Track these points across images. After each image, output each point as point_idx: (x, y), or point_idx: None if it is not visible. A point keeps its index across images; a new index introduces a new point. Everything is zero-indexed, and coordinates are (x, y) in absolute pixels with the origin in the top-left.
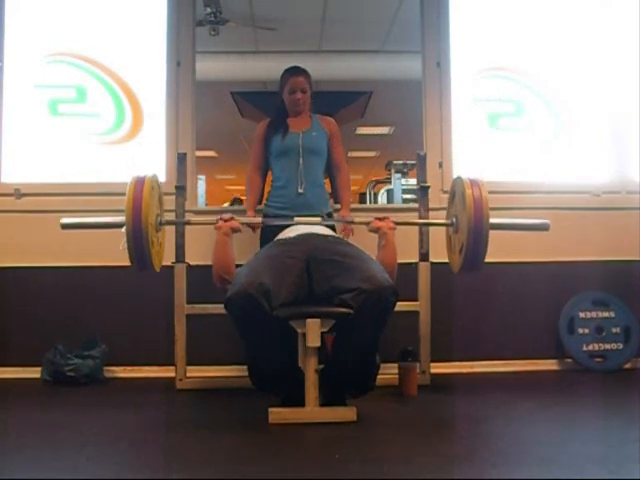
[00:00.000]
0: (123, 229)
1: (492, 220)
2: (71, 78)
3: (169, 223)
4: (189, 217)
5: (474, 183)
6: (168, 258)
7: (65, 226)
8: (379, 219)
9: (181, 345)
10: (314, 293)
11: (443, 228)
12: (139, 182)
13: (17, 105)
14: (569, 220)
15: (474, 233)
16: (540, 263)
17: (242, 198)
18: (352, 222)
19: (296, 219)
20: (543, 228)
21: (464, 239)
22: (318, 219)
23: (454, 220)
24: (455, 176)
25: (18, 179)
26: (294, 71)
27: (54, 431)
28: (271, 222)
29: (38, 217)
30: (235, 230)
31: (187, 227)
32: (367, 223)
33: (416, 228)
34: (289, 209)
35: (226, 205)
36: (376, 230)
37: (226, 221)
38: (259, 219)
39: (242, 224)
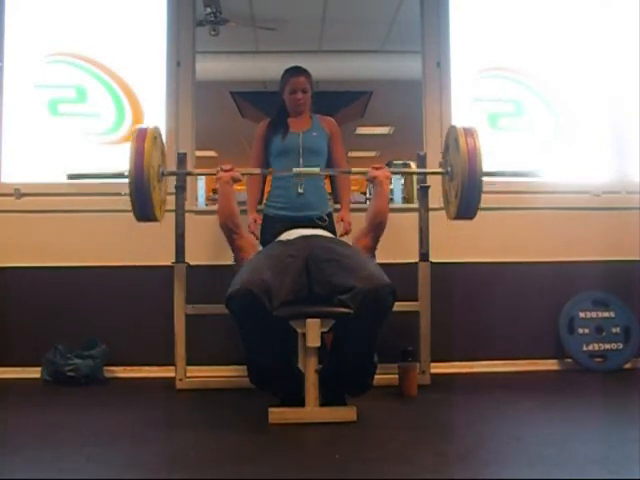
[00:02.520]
0: (126, 173)
1: (486, 169)
2: (71, 78)
3: (171, 174)
4: (189, 217)
5: (468, 132)
6: (168, 258)
7: (71, 177)
8: (375, 168)
9: (181, 345)
10: (313, 292)
11: (443, 229)
12: (141, 132)
13: (17, 105)
14: (569, 220)
15: (468, 180)
16: (540, 263)
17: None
18: (350, 172)
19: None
20: (534, 175)
21: (459, 186)
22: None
23: (449, 169)
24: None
25: (18, 179)
26: (295, 71)
27: (54, 431)
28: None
29: (38, 217)
30: (235, 179)
31: (187, 227)
32: (364, 172)
33: (416, 230)
34: (289, 209)
35: None
36: (373, 179)
37: (226, 171)
38: (257, 170)
39: (242, 174)
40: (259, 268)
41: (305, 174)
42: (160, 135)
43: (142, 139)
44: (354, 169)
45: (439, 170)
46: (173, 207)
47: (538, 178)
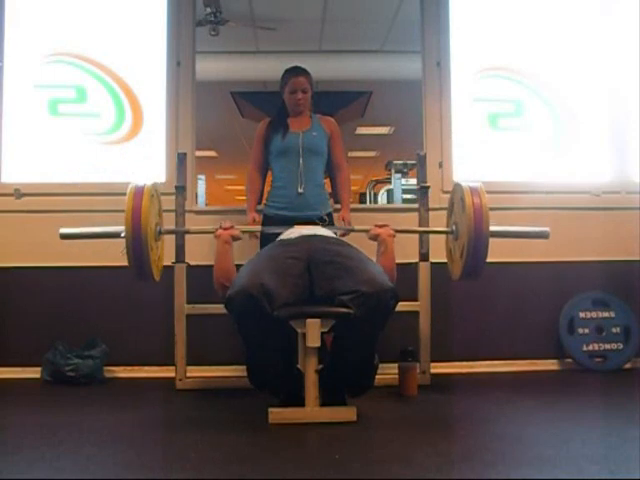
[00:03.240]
0: (122, 234)
1: (492, 228)
2: (71, 78)
3: (168, 232)
4: (189, 217)
5: (474, 191)
6: (168, 258)
7: (64, 236)
8: (379, 226)
9: (181, 345)
10: (314, 294)
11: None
12: (138, 191)
13: (17, 105)
14: (569, 220)
15: (474, 241)
16: (540, 263)
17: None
18: (352, 230)
19: (296, 227)
20: (543, 236)
21: (464, 247)
22: (318, 227)
23: (454, 228)
24: (455, 178)
25: (18, 179)
26: (295, 71)
27: (54, 431)
28: (270, 230)
29: (38, 217)
30: (235, 238)
31: (187, 228)
32: (367, 230)
33: (416, 225)
34: (289, 209)
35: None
36: (375, 237)
37: (226, 229)
38: (259, 227)
39: (242, 232)
40: (259, 270)
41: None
42: (157, 192)
43: (139, 199)
44: (356, 227)
45: (444, 229)
46: (173, 207)
47: (545, 238)
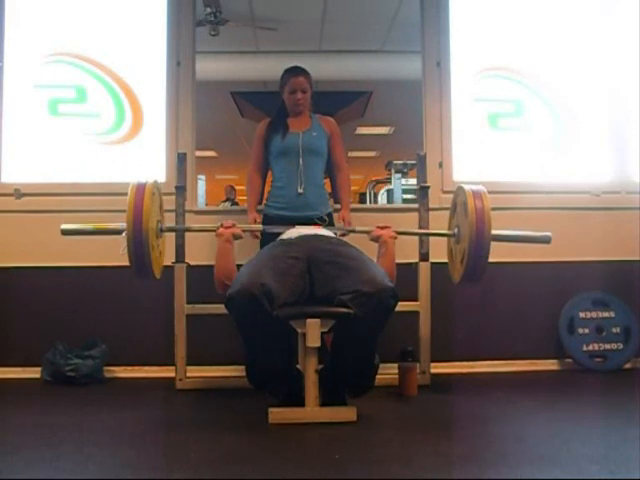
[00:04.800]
0: (123, 234)
1: (494, 232)
2: (71, 78)
3: (170, 230)
4: (189, 217)
5: (476, 194)
6: (168, 258)
7: (65, 232)
8: (380, 227)
9: (181, 345)
10: (315, 294)
11: (443, 229)
12: (140, 189)
13: (17, 105)
14: (569, 220)
15: (475, 247)
16: (540, 263)
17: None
18: (353, 230)
19: (297, 227)
20: (545, 241)
21: (465, 252)
22: (318, 227)
23: (456, 231)
24: (455, 178)
25: (18, 179)
26: (294, 71)
27: (54, 431)
28: (271, 229)
29: (38, 217)
30: (236, 237)
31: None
32: (368, 232)
33: (416, 226)
34: (289, 209)
35: (224, 204)
36: (377, 238)
37: (227, 228)
38: (259, 226)
39: (243, 231)
40: (260, 270)
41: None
42: (158, 190)
43: (141, 194)
44: (358, 228)
45: (446, 232)
46: (173, 207)
47: (547, 243)
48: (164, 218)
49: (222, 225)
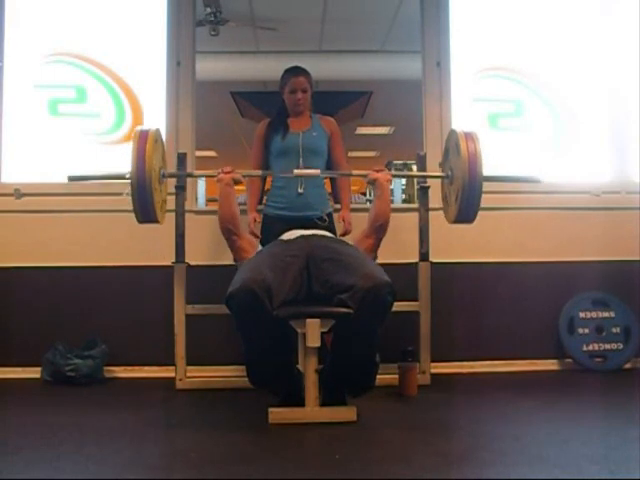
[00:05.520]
0: (127, 175)
1: (486, 174)
2: (71, 78)
3: (172, 175)
4: (189, 217)
5: (468, 136)
6: (168, 258)
7: (72, 178)
8: (376, 170)
9: (181, 345)
10: (313, 291)
11: (443, 229)
12: (143, 135)
13: (17, 105)
14: (569, 220)
15: (469, 184)
16: (540, 263)
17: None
18: (349, 174)
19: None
20: (534, 180)
21: (459, 190)
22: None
23: (449, 172)
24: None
25: (18, 179)
26: (295, 71)
27: (54, 431)
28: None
29: (38, 217)
30: (236, 181)
31: (187, 227)
32: (365, 175)
33: (416, 230)
34: (289, 209)
35: None
36: (373, 181)
37: (227, 173)
38: (258, 172)
39: (243, 176)
40: (260, 267)
41: (305, 176)
42: (161, 138)
43: (143, 141)
44: (355, 171)
45: (439, 174)
46: (173, 207)
47: (538, 183)
48: (166, 165)
49: (222, 170)
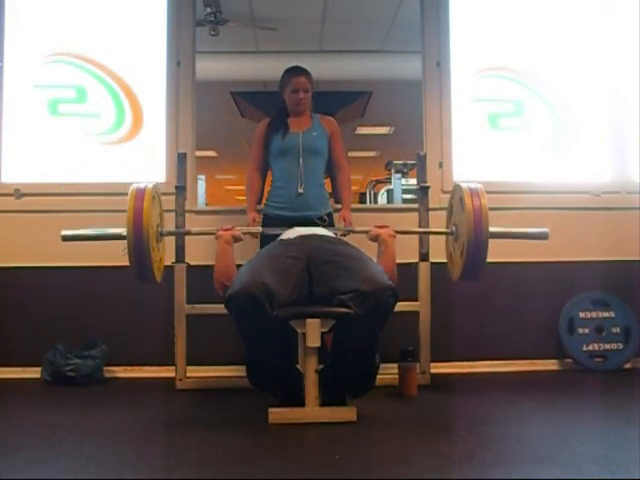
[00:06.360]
0: (124, 234)
1: (492, 229)
2: (71, 78)
3: (170, 234)
4: (189, 217)
5: (474, 192)
6: (168, 258)
7: (66, 238)
8: (379, 227)
9: (181, 345)
10: (314, 293)
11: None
12: (139, 193)
13: (17, 105)
14: (569, 220)
15: (474, 242)
16: (540, 263)
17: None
18: (352, 231)
19: (295, 228)
20: (542, 237)
21: (464, 247)
22: (318, 227)
23: (454, 229)
24: (455, 178)
25: (18, 179)
26: (297, 71)
27: (54, 431)
28: (271, 231)
29: (38, 217)
30: (236, 239)
31: (187, 227)
32: (366, 232)
33: (416, 225)
34: (289, 209)
35: None
36: (376, 238)
37: (227, 230)
38: (259, 228)
39: (243, 233)
40: (260, 269)
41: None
42: (158, 194)
43: (140, 200)
44: (357, 228)
45: (444, 230)
46: (173, 207)
47: (544, 239)
48: (164, 221)
49: (222, 227)
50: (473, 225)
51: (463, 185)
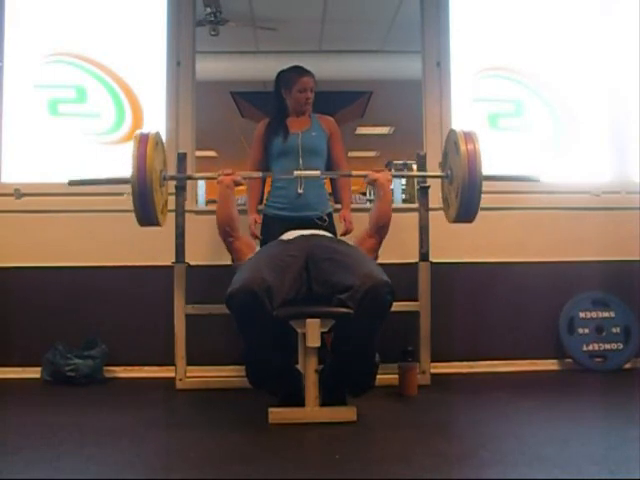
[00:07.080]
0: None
1: (485, 173)
2: (71, 78)
3: (173, 178)
4: (189, 217)
5: (467, 136)
6: (168, 258)
7: (72, 183)
8: (376, 171)
9: (181, 345)
10: (313, 290)
11: (443, 229)
12: (143, 138)
13: (17, 105)
14: (569, 220)
15: (468, 184)
16: (540, 263)
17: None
18: (350, 175)
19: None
20: (533, 179)
21: (459, 189)
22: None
23: (449, 172)
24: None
25: (18, 179)
26: (303, 71)
27: (54, 431)
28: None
29: (38, 217)
30: (237, 183)
31: (187, 227)
32: (364, 175)
33: (416, 230)
34: (289, 209)
35: None
36: (374, 181)
37: (227, 175)
38: (259, 173)
39: (243, 177)
40: (260, 267)
41: (305, 176)
42: (161, 140)
43: (144, 144)
44: (354, 172)
45: (439, 173)
46: (173, 207)
47: (537, 182)
48: (167, 167)
49: (223, 172)
50: (467, 167)
51: (457, 129)
